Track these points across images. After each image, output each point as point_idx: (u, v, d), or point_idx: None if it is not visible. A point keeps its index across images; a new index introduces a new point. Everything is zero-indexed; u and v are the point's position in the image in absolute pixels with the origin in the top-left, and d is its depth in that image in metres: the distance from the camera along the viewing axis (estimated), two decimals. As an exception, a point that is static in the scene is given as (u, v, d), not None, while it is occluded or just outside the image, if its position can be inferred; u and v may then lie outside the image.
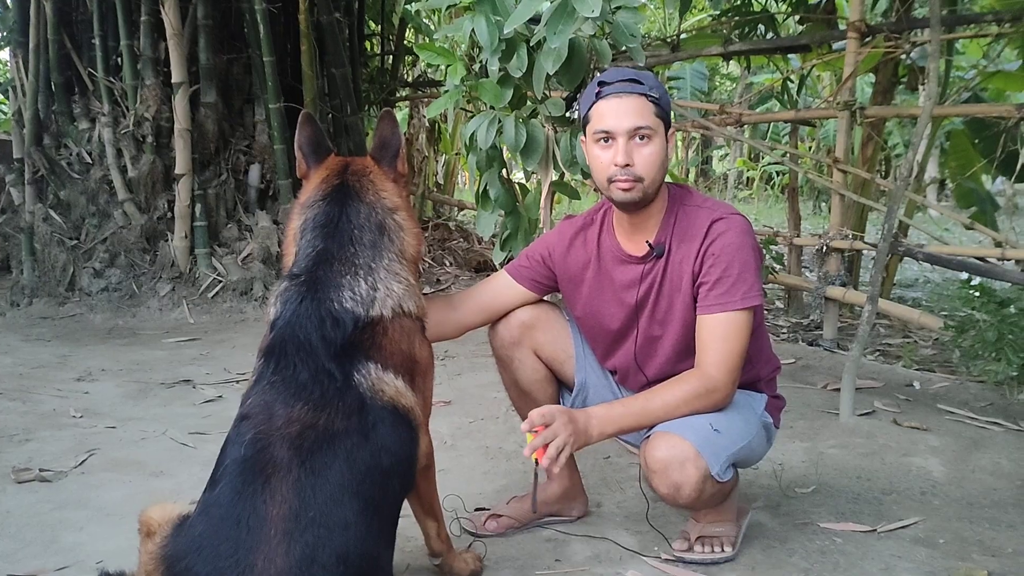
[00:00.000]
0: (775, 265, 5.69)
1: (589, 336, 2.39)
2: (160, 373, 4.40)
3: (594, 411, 2.07)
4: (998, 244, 5.00)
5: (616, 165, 2.09)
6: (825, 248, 4.96)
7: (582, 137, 2.25)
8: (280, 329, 1.84)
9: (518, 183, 3.16)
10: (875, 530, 2.48)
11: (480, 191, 3.04)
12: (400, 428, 1.82)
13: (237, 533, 1.58)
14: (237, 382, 4.17)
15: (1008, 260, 4.82)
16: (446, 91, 2.89)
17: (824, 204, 13.29)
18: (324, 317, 1.83)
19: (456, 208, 10.63)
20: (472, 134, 2.83)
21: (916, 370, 4.42)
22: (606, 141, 2.11)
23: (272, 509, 1.59)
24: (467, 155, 3.00)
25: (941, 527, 2.51)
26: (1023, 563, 2.29)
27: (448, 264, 7.91)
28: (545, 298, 2.44)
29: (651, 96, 2.10)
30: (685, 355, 2.19)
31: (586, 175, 2.76)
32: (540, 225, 3.05)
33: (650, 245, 2.19)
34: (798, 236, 6.11)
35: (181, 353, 4.89)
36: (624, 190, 2.10)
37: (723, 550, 2.28)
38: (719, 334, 2.07)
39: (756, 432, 2.20)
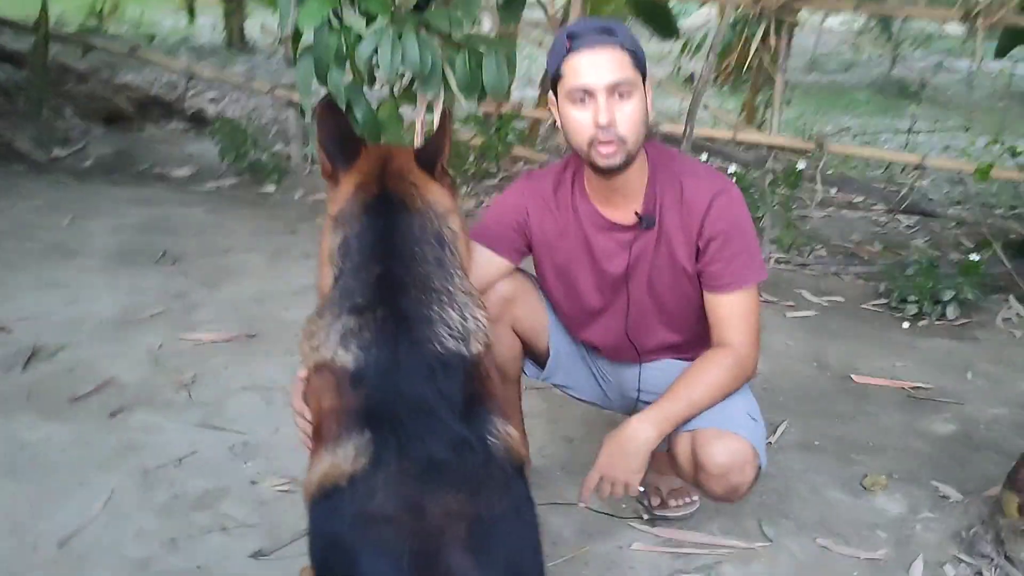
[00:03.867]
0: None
1: (561, 305, 2.22)
2: None
3: (645, 416, 1.96)
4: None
5: (598, 125, 1.89)
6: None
7: (551, 98, 2.00)
8: (377, 386, 1.47)
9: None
10: (771, 442, 2.71)
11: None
12: (527, 488, 1.57)
13: None
14: None
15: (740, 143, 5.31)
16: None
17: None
18: (433, 365, 1.49)
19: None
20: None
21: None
22: (583, 100, 1.89)
23: None
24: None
25: (804, 427, 2.83)
26: (892, 456, 2.69)
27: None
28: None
29: (627, 47, 1.90)
30: (678, 330, 2.16)
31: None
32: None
33: (639, 216, 2.04)
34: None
35: None
36: (607, 154, 1.91)
37: (692, 499, 2.37)
38: (739, 311, 2.04)
39: None
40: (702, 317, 2.08)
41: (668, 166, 2.05)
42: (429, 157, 1.70)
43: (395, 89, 2.62)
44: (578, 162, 2.05)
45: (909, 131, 7.34)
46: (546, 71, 2.02)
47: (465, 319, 1.57)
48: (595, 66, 1.86)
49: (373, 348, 1.49)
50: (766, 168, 4.12)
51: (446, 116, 1.81)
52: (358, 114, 2.56)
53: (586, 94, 1.87)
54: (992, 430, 2.88)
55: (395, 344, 1.49)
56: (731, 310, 2.04)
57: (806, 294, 4.11)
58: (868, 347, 3.52)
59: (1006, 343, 3.66)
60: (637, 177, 2.02)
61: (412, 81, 2.62)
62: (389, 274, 1.56)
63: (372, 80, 2.58)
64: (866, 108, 9.25)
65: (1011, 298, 4.00)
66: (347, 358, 1.49)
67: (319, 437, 1.52)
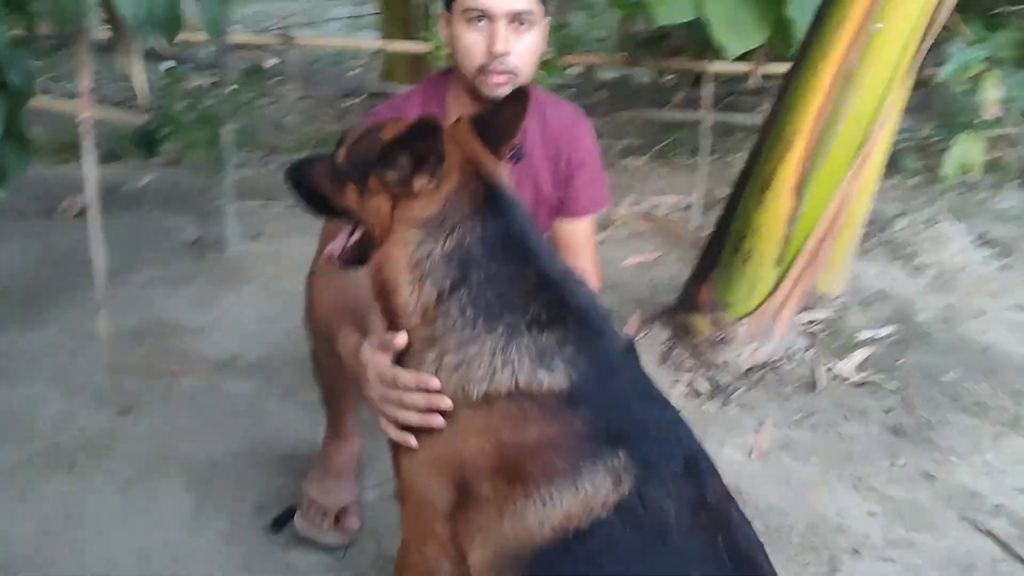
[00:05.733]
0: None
1: None
2: None
3: None
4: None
5: (493, 53, 1.82)
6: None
7: (443, 12, 1.93)
8: (601, 400, 1.33)
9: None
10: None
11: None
12: None
13: None
14: None
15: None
16: None
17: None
18: (628, 356, 1.42)
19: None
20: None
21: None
22: (479, 21, 1.83)
23: None
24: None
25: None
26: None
27: None
28: None
29: None
30: None
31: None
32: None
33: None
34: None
35: None
36: (497, 83, 1.85)
37: None
38: (590, 237, 2.11)
39: None
40: None
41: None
42: (497, 138, 1.51)
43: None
44: (443, 86, 1.99)
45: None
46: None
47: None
48: None
49: (581, 360, 1.34)
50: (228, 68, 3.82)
51: (523, 98, 1.55)
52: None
53: (484, 16, 1.82)
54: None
55: (598, 349, 1.37)
56: (585, 237, 2.12)
57: None
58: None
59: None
60: None
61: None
62: (542, 275, 1.40)
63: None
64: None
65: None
66: (555, 378, 1.32)
67: (519, 477, 1.32)
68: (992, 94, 3.74)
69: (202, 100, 4.03)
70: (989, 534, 2.30)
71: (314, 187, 1.57)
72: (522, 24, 1.84)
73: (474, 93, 1.91)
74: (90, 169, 2.27)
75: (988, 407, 2.94)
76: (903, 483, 2.50)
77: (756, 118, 5.19)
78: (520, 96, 1.54)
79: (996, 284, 3.96)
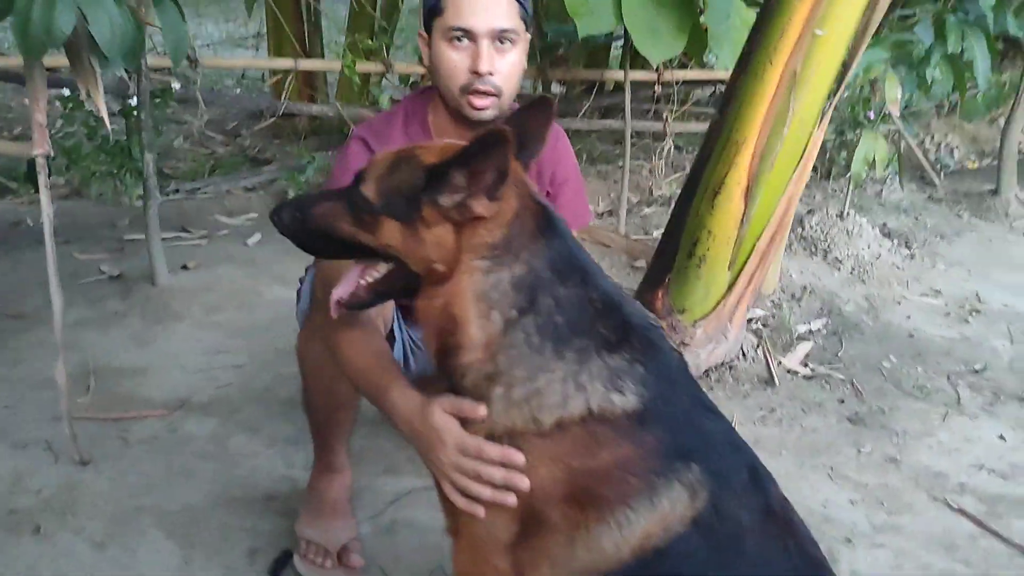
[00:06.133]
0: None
1: None
2: None
3: None
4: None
5: (476, 72, 1.79)
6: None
7: (421, 31, 1.89)
8: (669, 416, 1.33)
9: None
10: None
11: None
12: None
13: None
14: None
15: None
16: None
17: None
18: (685, 368, 1.43)
19: None
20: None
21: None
22: (461, 40, 1.80)
23: None
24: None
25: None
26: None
27: None
28: None
29: None
30: None
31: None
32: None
33: None
34: None
35: None
36: (482, 106, 1.82)
37: None
38: None
39: None
40: None
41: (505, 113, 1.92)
42: (526, 151, 1.48)
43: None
44: (423, 106, 1.94)
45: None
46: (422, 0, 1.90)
47: None
48: (481, 8, 1.77)
49: (650, 378, 1.33)
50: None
51: (547, 108, 1.51)
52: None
53: (466, 35, 1.78)
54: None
55: (660, 365, 1.36)
56: None
57: (222, 218, 4.37)
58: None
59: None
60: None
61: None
62: (604, 295, 1.37)
63: None
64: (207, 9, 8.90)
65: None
66: (627, 399, 1.30)
67: (592, 502, 1.30)
68: (892, 93, 3.94)
69: (101, 128, 3.82)
70: (962, 512, 2.42)
71: (322, 229, 1.43)
72: (505, 42, 1.81)
73: (456, 114, 1.87)
74: (47, 203, 2.11)
75: (928, 390, 3.10)
76: (872, 469, 2.61)
77: (658, 125, 5.33)
78: (544, 105, 1.51)
79: (906, 273, 4.20)
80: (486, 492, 1.36)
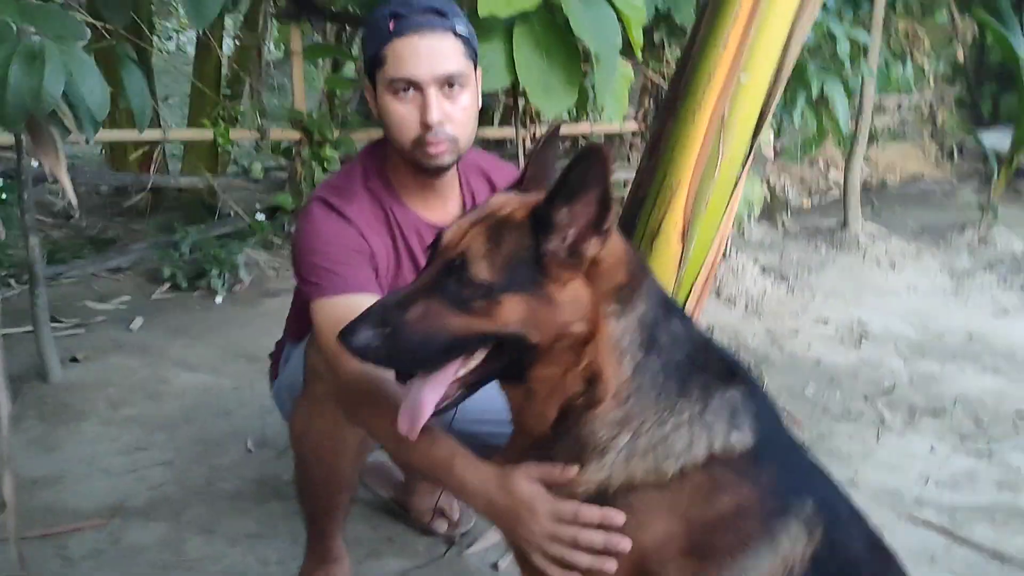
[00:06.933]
0: None
1: None
2: None
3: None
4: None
5: (427, 124, 1.68)
6: None
7: (367, 84, 1.79)
8: (776, 450, 1.31)
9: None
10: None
11: None
12: None
13: None
14: None
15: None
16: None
17: None
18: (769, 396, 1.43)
19: None
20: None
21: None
22: (406, 91, 1.69)
23: None
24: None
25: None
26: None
27: None
28: None
29: (459, 31, 1.71)
30: None
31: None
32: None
33: None
34: None
35: None
36: (437, 154, 1.71)
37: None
38: None
39: None
40: None
41: (467, 158, 1.87)
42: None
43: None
44: (380, 159, 1.84)
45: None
46: (362, 51, 1.78)
47: None
48: (423, 55, 1.66)
49: (757, 413, 1.30)
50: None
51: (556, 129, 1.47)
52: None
53: (411, 86, 1.68)
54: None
55: (759, 398, 1.33)
56: None
57: (93, 304, 4.05)
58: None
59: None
60: (453, 175, 1.85)
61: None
62: (689, 330, 1.35)
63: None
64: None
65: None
66: (744, 437, 1.27)
67: (712, 553, 1.25)
68: (766, 136, 4.19)
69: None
70: (929, 524, 2.52)
71: (424, 337, 1.20)
72: (453, 87, 1.69)
73: (415, 165, 1.77)
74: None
75: (854, 413, 3.24)
76: (836, 493, 2.67)
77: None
78: (553, 136, 1.45)
79: (792, 305, 4.41)
80: (585, 560, 1.28)
